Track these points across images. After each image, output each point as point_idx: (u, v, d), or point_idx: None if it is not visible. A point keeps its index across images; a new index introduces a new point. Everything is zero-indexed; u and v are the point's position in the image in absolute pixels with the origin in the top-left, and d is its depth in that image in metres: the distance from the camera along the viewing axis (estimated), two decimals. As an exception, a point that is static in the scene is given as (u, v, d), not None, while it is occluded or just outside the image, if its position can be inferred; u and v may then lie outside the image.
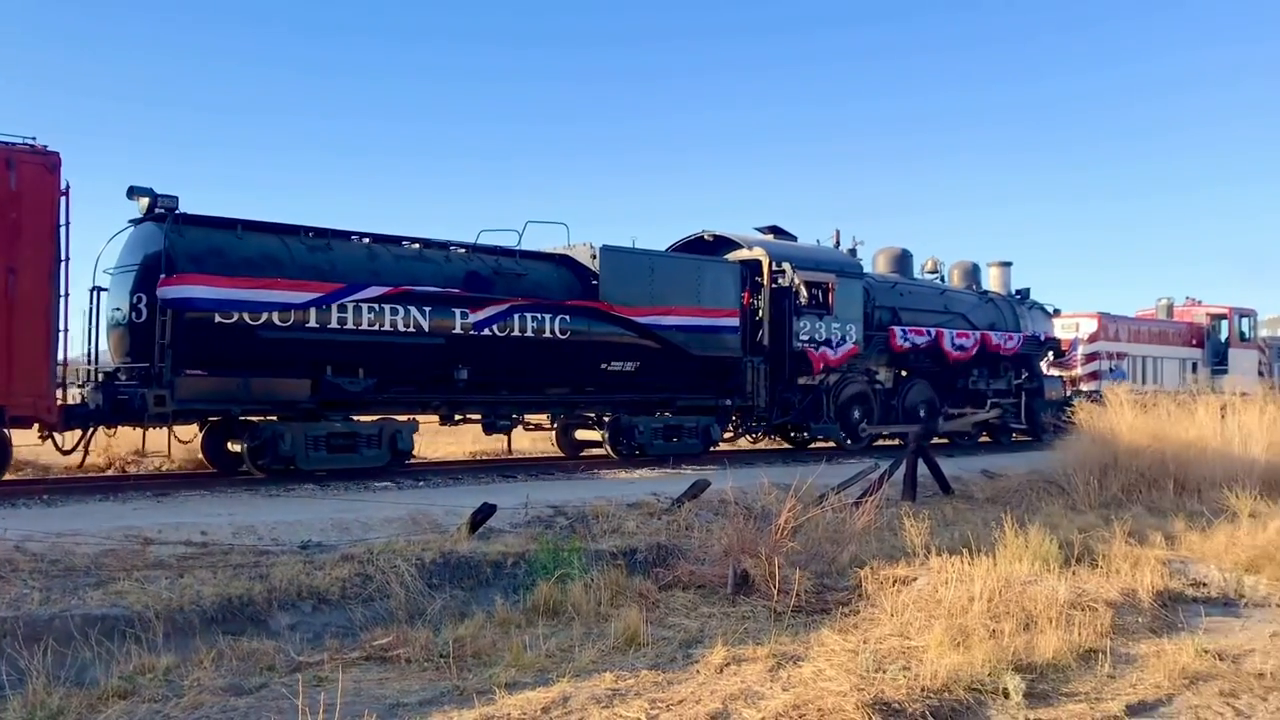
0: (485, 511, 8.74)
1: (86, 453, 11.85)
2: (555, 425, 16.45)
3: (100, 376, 11.94)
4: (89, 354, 12.21)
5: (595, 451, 16.35)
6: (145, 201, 11.66)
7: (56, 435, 11.06)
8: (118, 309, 11.97)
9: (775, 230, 19.03)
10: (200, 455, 13.30)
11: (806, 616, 6.89)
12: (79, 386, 11.87)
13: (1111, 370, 25.49)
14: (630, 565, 8.09)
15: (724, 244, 18.04)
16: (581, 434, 16.58)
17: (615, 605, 6.92)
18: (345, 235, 13.08)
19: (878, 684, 5.28)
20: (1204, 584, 8.21)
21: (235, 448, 12.50)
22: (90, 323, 12.15)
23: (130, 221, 12.19)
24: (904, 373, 19.69)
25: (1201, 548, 9.07)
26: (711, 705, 4.98)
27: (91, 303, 12.10)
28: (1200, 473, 12.69)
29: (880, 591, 7.16)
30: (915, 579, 7.48)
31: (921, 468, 12.97)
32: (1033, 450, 18.64)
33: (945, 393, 20.00)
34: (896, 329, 18.91)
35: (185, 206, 11.57)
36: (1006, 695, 5.24)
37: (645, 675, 5.52)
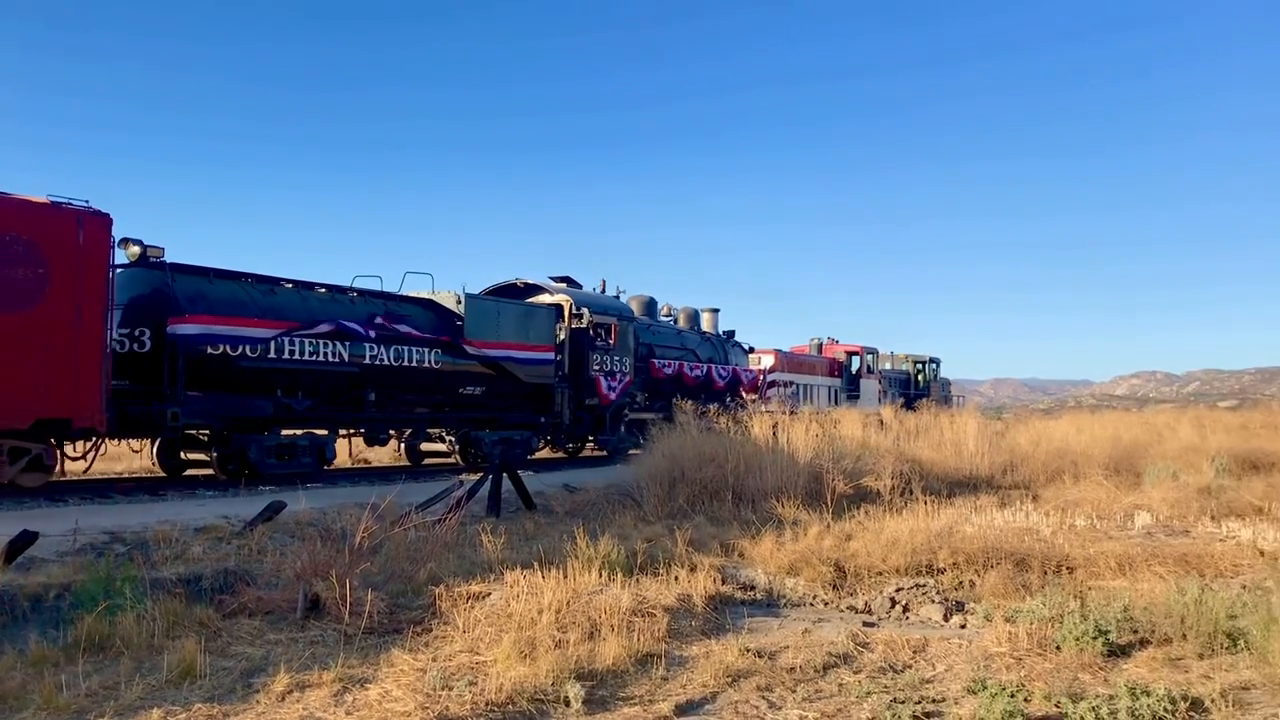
0: (24, 539, 7.90)
1: (92, 462, 13.93)
2: (404, 439, 19.51)
3: None
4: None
5: (439, 461, 19.95)
6: (136, 250, 14.13)
7: (67, 446, 13.32)
8: (117, 341, 13.80)
9: (567, 279, 23.13)
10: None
11: (379, 638, 6.77)
12: None
13: (796, 395, 31.28)
14: (194, 593, 7.60)
15: (533, 290, 22.28)
16: (426, 446, 20.07)
17: (172, 636, 6.45)
18: (277, 281, 16.05)
19: (443, 701, 5.30)
20: (752, 587, 8.91)
21: (196, 456, 15.94)
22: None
23: (120, 266, 13.96)
24: (656, 397, 23.59)
25: (752, 553, 9.81)
26: (268, 735, 4.77)
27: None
28: (754, 484, 13.75)
29: (454, 608, 7.18)
30: (490, 594, 7.58)
31: (507, 484, 13.21)
32: (608, 465, 19.85)
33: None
34: (656, 362, 24.21)
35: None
36: (568, 703, 5.42)
37: (199, 709, 5.20)
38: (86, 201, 12.71)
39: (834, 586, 9.08)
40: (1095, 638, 6.62)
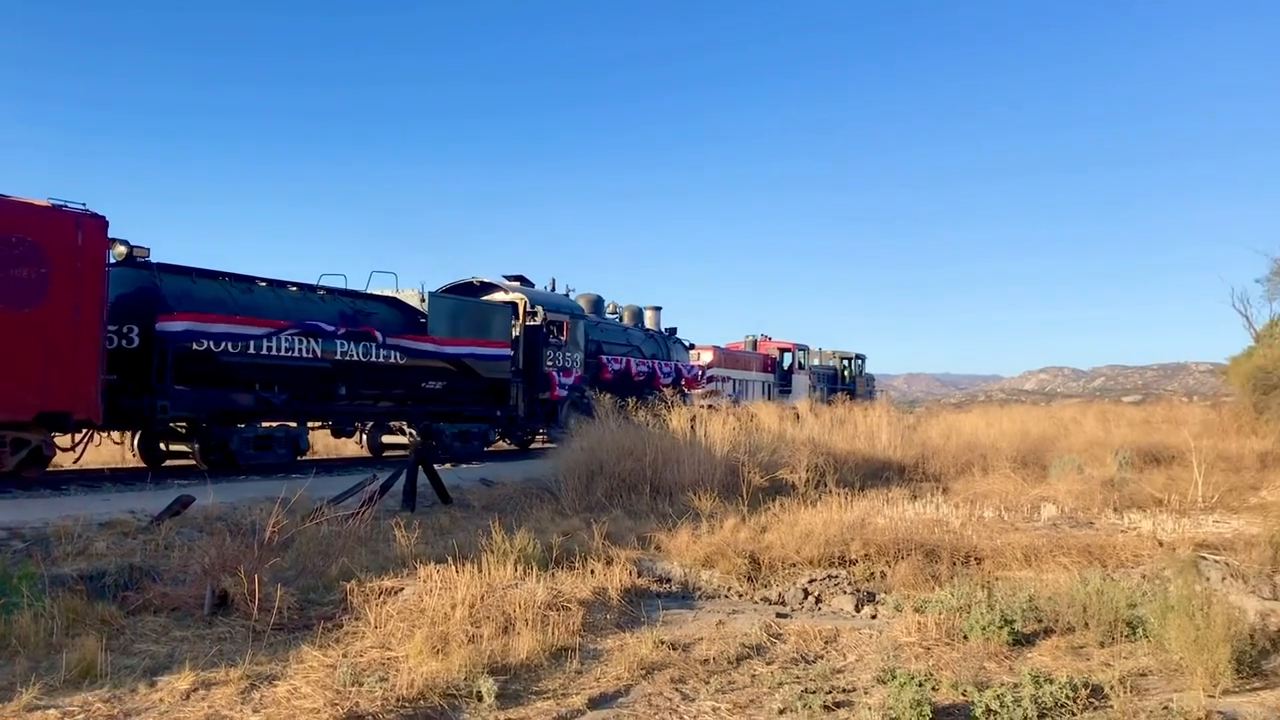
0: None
1: (81, 453, 14.63)
2: (366, 431, 20.46)
3: None
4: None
5: (400, 453, 19.99)
6: (123, 250, 14.59)
7: (58, 437, 13.85)
8: (106, 338, 14.00)
9: (520, 278, 23.91)
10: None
11: (289, 634, 6.65)
12: None
13: (733, 391, 33.04)
14: (96, 590, 7.39)
15: (488, 288, 23.16)
16: (388, 438, 20.80)
17: (71, 635, 6.26)
18: (253, 280, 16.83)
19: (353, 698, 5.23)
20: (668, 580, 8.95)
21: (177, 447, 16.57)
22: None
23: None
24: (604, 392, 24.23)
25: (668, 546, 9.86)
26: (171, 735, 4.66)
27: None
28: (672, 478, 13.82)
29: (366, 604, 7.08)
30: (403, 589, 7.50)
31: (423, 477, 13.09)
32: (529, 459, 19.86)
33: None
34: (604, 358, 25.23)
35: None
36: (480, 698, 5.38)
37: (98, 709, 5.07)
38: (83, 204, 13.32)
39: (749, 578, 9.16)
40: (1001, 627, 6.77)
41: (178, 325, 14.70)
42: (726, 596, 8.65)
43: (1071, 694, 5.37)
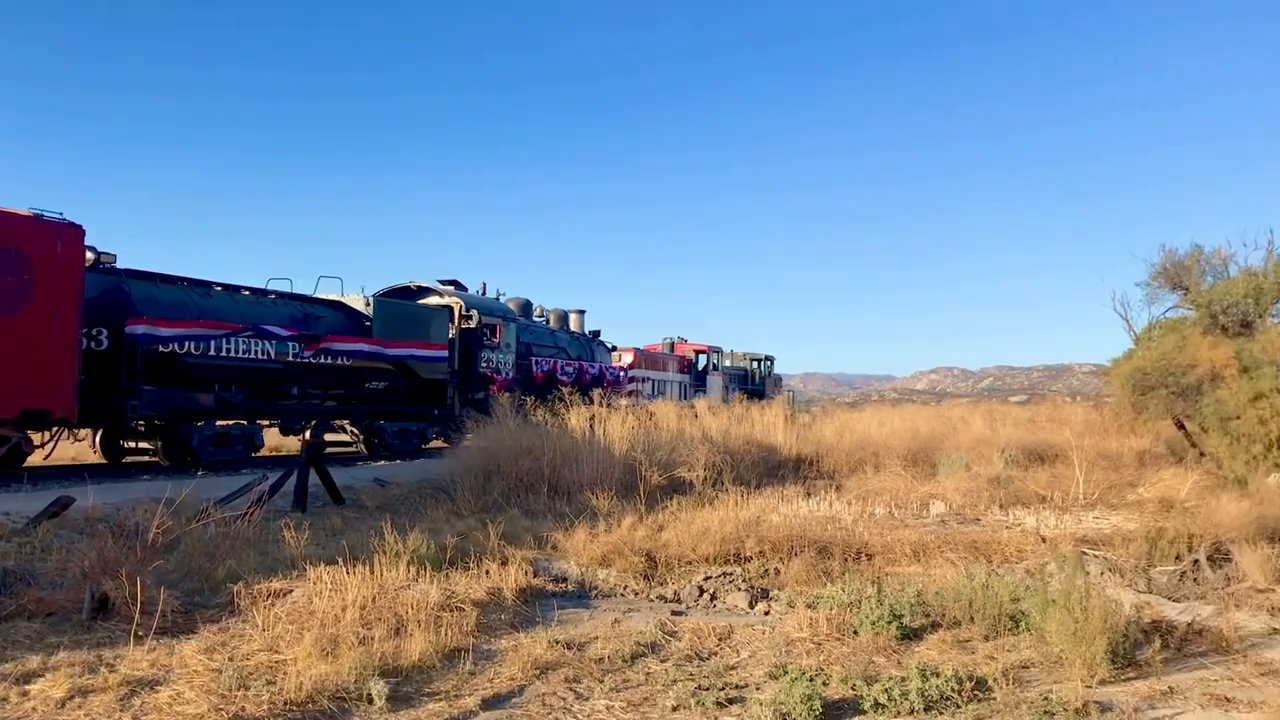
0: None
1: (52, 450, 15.35)
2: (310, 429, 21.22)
3: None
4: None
5: (341, 450, 21.10)
6: (91, 256, 15.01)
7: (32, 434, 14.59)
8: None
9: (455, 282, 24.87)
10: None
11: (172, 639, 6.46)
12: None
13: (652, 391, 34.18)
14: (-35, 595, 7.09)
15: (425, 292, 24.16)
16: (330, 436, 20.84)
17: (-62, 642, 6.01)
18: (209, 284, 17.73)
19: (239, 702, 5.11)
20: (564, 579, 8.93)
21: (140, 445, 17.49)
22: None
23: None
24: (533, 391, 24.11)
25: (565, 545, 9.82)
26: (45, 745, 4.49)
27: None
28: (571, 477, 13.78)
29: (254, 606, 6.93)
30: (292, 591, 7.35)
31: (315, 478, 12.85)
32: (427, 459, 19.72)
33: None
34: (534, 359, 26.32)
35: None
36: (371, 700, 5.30)
37: (-33, 720, 4.87)
38: (60, 213, 14.10)
39: (645, 577, 9.19)
40: (890, 622, 6.91)
41: (145, 328, 15.58)
42: (623, 595, 8.67)
43: (957, 687, 5.50)
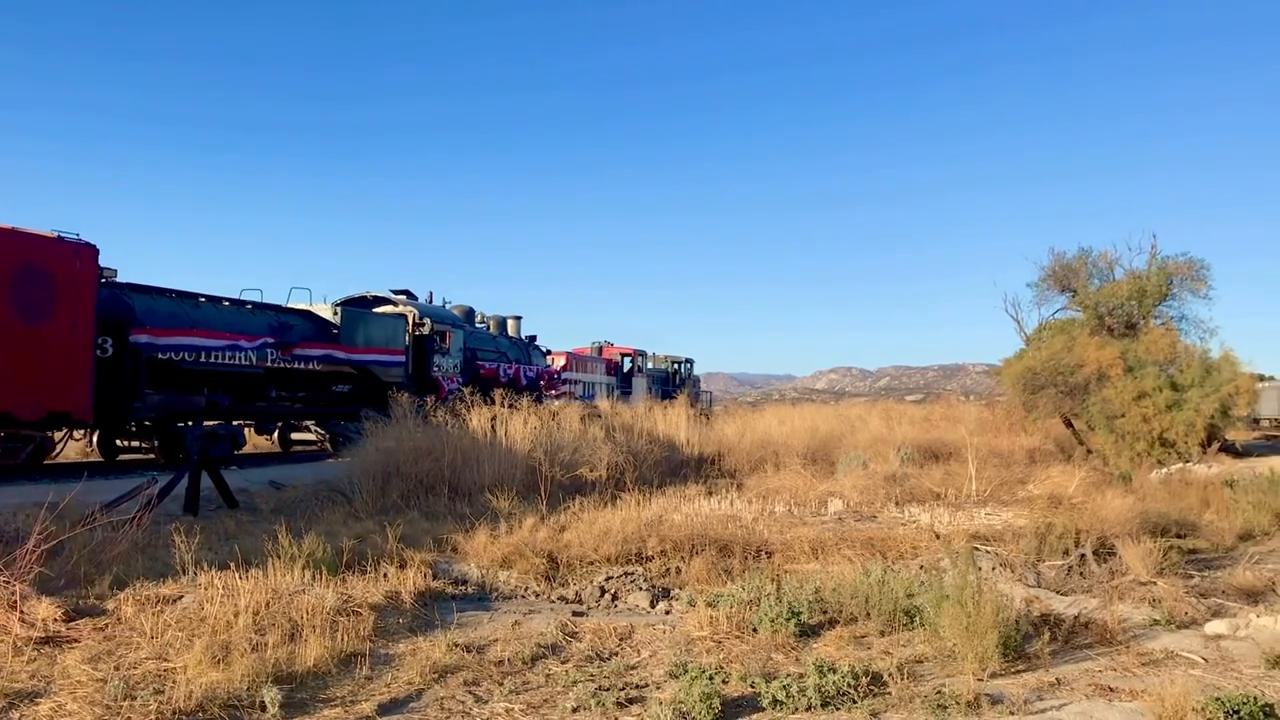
0: None
1: (61, 449, 17.15)
2: (277, 429, 23.37)
3: None
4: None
5: (305, 448, 23.18)
6: None
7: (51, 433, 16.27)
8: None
9: (407, 292, 26.71)
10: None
11: (54, 648, 6.23)
12: None
13: (582, 392, 36.13)
14: None
15: (380, 301, 25.86)
16: (296, 435, 23.38)
17: None
18: (196, 296, 19.18)
19: (125, 713, 4.95)
20: (464, 581, 8.84)
21: (135, 444, 18.72)
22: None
23: None
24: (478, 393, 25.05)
25: (466, 547, 9.72)
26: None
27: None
28: (472, 478, 13.67)
29: (142, 613, 6.72)
30: (182, 597, 7.16)
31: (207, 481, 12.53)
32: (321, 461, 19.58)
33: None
34: (479, 363, 27.95)
35: None
36: (264, 708, 5.17)
37: None
38: (77, 234, 15.57)
39: (547, 578, 9.16)
40: (789, 619, 6.99)
41: (147, 338, 17.19)
42: (524, 597, 8.62)
43: (853, 682, 5.58)
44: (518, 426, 15.49)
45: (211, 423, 19.18)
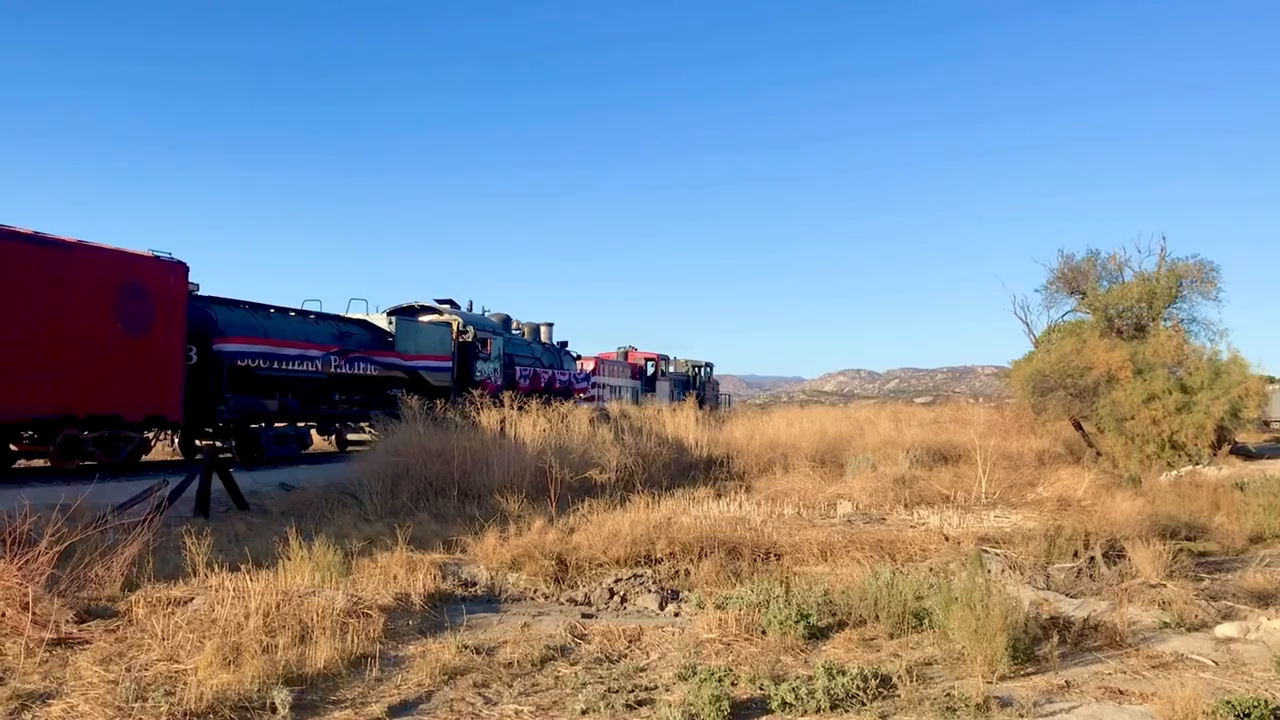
0: None
1: (150, 448, 18.67)
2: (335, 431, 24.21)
3: None
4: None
5: (360, 448, 22.51)
6: None
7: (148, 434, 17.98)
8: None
9: (450, 301, 28.28)
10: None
11: (66, 650, 6.26)
12: None
13: (609, 396, 37.31)
14: None
15: (426, 310, 27.63)
16: (352, 435, 24.12)
17: None
18: (266, 307, 20.67)
19: (137, 714, 4.98)
20: (474, 583, 8.86)
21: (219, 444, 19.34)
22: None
23: None
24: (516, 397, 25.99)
25: (475, 549, 9.76)
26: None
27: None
28: (481, 480, 13.69)
29: (153, 615, 6.75)
30: (193, 599, 7.18)
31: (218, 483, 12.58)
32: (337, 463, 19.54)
33: None
34: (516, 368, 29.64)
35: None
36: (274, 709, 5.19)
37: None
38: (170, 253, 17.29)
39: (556, 580, 9.17)
40: (798, 622, 6.99)
41: (230, 346, 18.73)
42: (533, 599, 8.63)
43: (862, 684, 5.58)
44: (527, 429, 15.51)
45: (280, 424, 20.72)
